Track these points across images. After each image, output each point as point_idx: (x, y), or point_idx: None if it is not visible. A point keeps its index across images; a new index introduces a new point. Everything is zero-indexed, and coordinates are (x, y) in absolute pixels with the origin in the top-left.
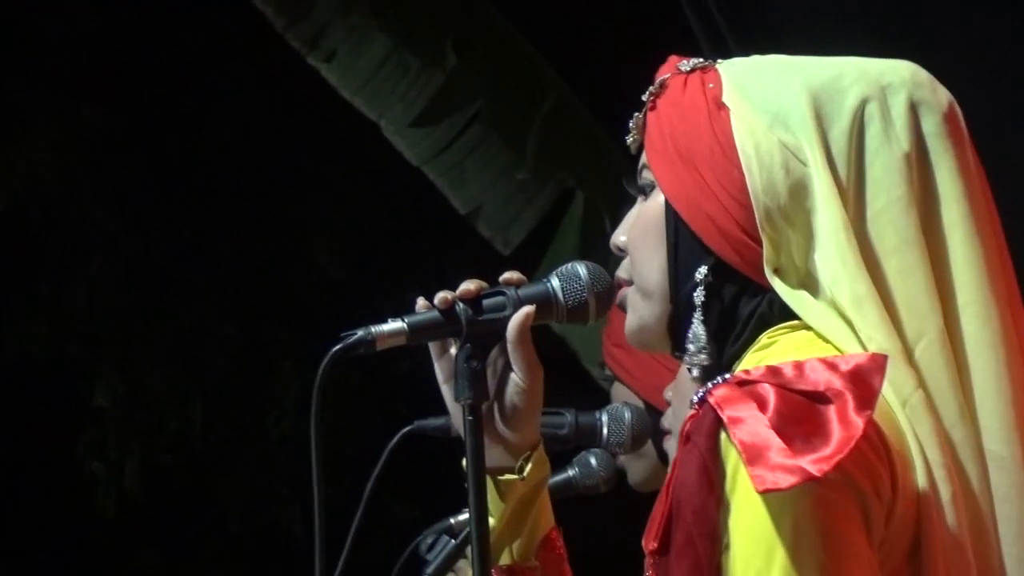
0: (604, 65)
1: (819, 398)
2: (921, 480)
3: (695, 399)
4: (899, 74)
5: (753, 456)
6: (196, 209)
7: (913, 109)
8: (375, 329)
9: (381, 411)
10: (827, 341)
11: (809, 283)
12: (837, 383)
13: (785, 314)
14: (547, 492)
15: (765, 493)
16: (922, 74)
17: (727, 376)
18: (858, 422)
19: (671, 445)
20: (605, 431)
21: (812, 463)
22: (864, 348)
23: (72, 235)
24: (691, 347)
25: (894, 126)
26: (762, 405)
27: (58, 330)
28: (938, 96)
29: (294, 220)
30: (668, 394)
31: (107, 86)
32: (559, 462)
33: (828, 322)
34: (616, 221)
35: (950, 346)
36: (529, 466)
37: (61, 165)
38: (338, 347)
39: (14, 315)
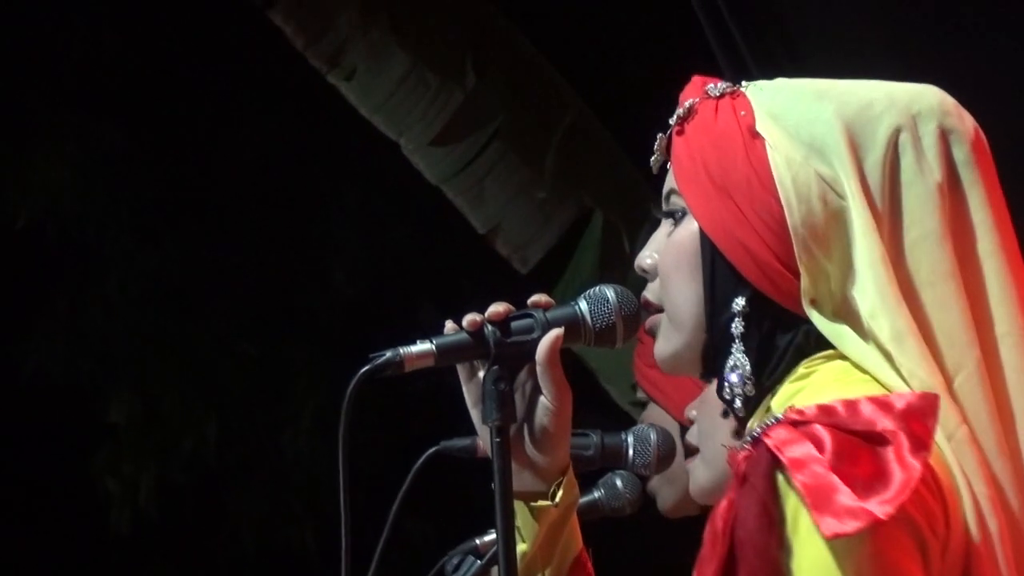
0: (623, 84)
1: (875, 439)
2: (969, 514)
3: (749, 438)
4: (928, 101)
5: (818, 501)
6: (212, 228)
7: (944, 138)
8: (403, 350)
9: (394, 430)
10: (865, 372)
11: (845, 314)
12: (891, 423)
13: (820, 343)
14: (576, 514)
15: (834, 538)
16: (949, 101)
17: (779, 416)
18: (916, 464)
19: (697, 464)
20: (631, 452)
21: (877, 506)
22: (906, 382)
23: (89, 253)
24: (734, 378)
25: (926, 156)
26: (819, 446)
27: (74, 347)
28: (965, 124)
29: (310, 238)
30: (692, 412)
31: (125, 105)
32: (585, 483)
33: (866, 354)
34: (635, 240)
35: (988, 378)
36: (560, 492)
37: (79, 183)
38: (366, 368)
39: (31, 332)
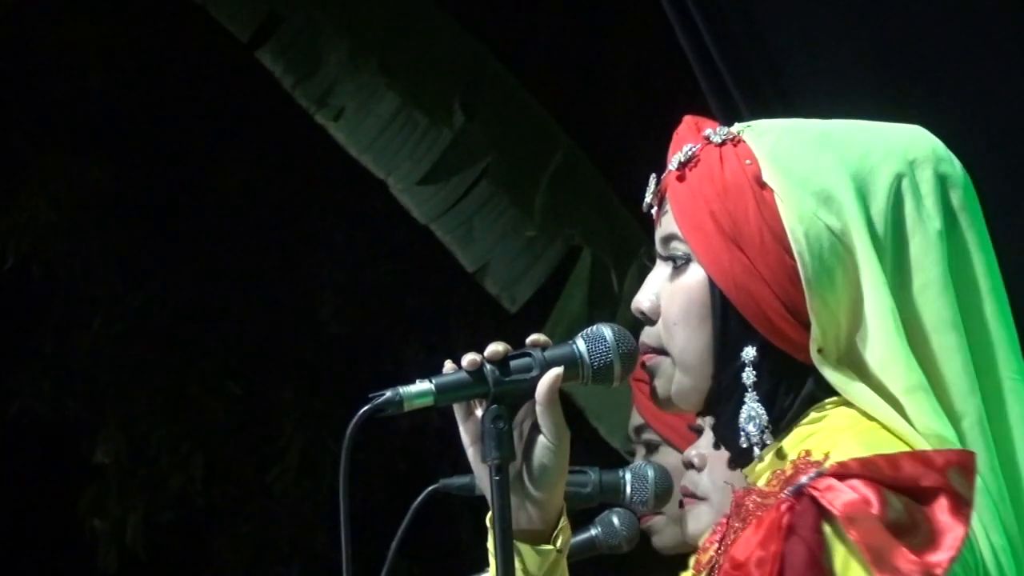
0: (611, 122)
1: (919, 495)
2: (991, 566)
3: (792, 489)
4: (922, 147)
5: (876, 558)
6: (198, 267)
7: (941, 184)
8: (403, 390)
9: (383, 470)
10: (873, 419)
11: (852, 363)
12: (933, 480)
13: (828, 388)
14: (566, 555)
15: None
16: (939, 145)
17: (822, 468)
18: (961, 523)
19: (703, 511)
20: (628, 489)
21: (933, 561)
22: (918, 431)
23: (75, 293)
24: (752, 428)
25: (925, 203)
26: (866, 500)
27: (60, 387)
28: (956, 168)
29: (297, 277)
30: (694, 459)
31: (111, 145)
32: (581, 520)
33: (875, 404)
34: (623, 278)
35: (988, 426)
36: (561, 536)
37: (65, 223)
38: (366, 408)
39: (17, 372)
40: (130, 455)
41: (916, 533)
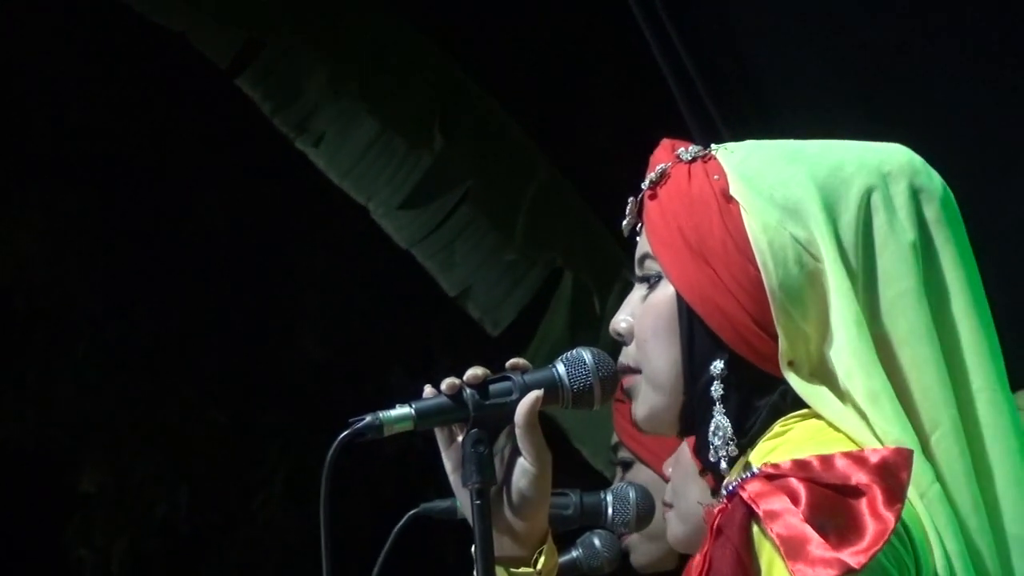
0: (592, 145)
1: (849, 492)
2: (941, 570)
3: (724, 492)
4: (897, 161)
5: (792, 550)
6: (180, 295)
7: (915, 197)
8: (383, 415)
9: (369, 496)
10: (840, 431)
11: (822, 375)
12: (865, 477)
13: (796, 403)
14: None
15: None
16: (917, 159)
17: (755, 470)
18: (890, 516)
19: (671, 517)
20: (610, 511)
21: (850, 556)
22: (880, 441)
23: (57, 322)
24: (717, 440)
25: (898, 216)
26: (794, 498)
27: (44, 417)
28: (934, 182)
29: (279, 303)
30: (668, 469)
31: (91, 173)
32: (563, 542)
33: (842, 415)
34: (605, 300)
35: (963, 436)
36: (543, 559)
37: (46, 252)
38: (346, 433)
39: (0, 401)
40: (115, 484)
41: (840, 528)
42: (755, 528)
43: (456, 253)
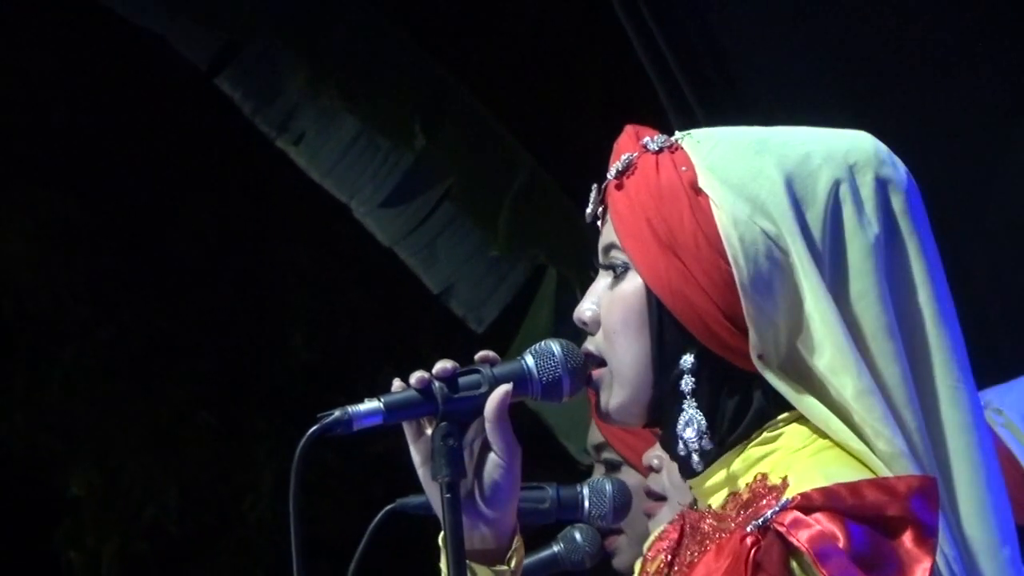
0: (575, 141)
1: (886, 527)
2: None
3: (756, 524)
4: (863, 151)
5: None
6: (168, 297)
7: (881, 188)
8: (352, 409)
9: (358, 495)
10: (825, 435)
11: (794, 369)
12: (898, 509)
13: (780, 404)
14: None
15: None
16: (883, 148)
17: (784, 502)
18: (927, 555)
19: (663, 516)
20: (587, 504)
21: None
22: (870, 443)
23: (46, 326)
24: (690, 433)
25: (865, 208)
26: (832, 535)
27: (32, 421)
28: (899, 172)
29: (266, 305)
30: (654, 461)
31: (77, 176)
32: (544, 537)
33: (826, 417)
34: None
35: (927, 434)
36: (515, 556)
37: (33, 256)
38: (315, 428)
39: None
40: (104, 487)
41: (884, 566)
42: (794, 564)
43: (439, 251)
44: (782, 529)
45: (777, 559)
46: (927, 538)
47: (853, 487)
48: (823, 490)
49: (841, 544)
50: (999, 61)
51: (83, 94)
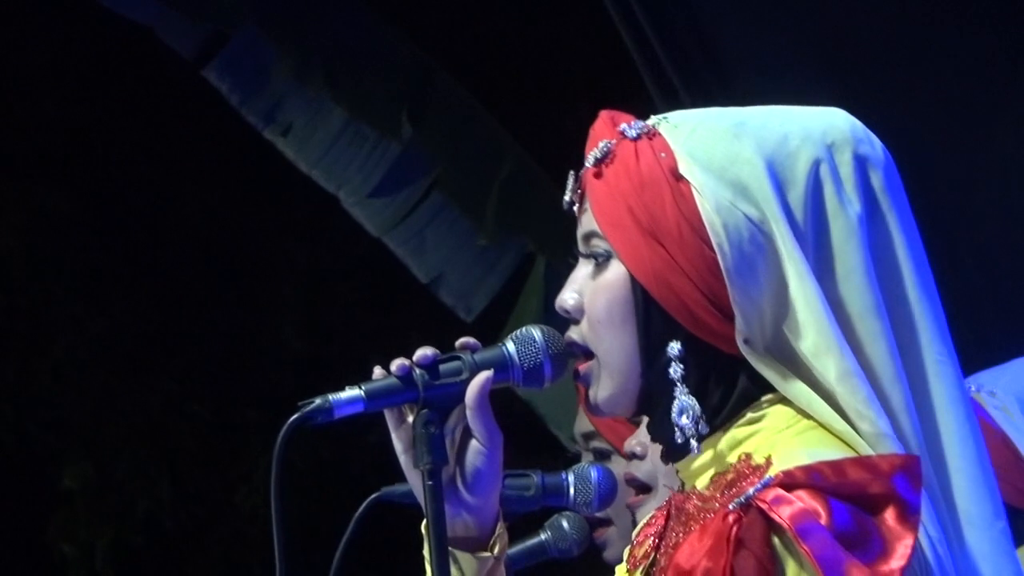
0: (563, 129)
1: (868, 504)
2: (931, 560)
3: (738, 502)
4: (840, 130)
5: (829, 571)
6: (160, 290)
7: (860, 166)
8: (332, 397)
9: (353, 486)
10: (809, 416)
11: (780, 352)
12: (881, 487)
13: (764, 385)
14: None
15: None
16: (858, 126)
17: (767, 479)
18: (910, 530)
19: (649, 506)
20: (572, 491)
21: (883, 573)
22: (854, 424)
23: (37, 319)
24: (686, 420)
25: (845, 187)
26: (814, 512)
27: (24, 414)
28: (876, 149)
29: (257, 296)
30: (637, 448)
31: (67, 169)
32: (531, 526)
33: (810, 399)
34: None
35: (915, 412)
36: (498, 545)
37: (23, 249)
38: (295, 416)
39: None
40: (98, 479)
41: (866, 543)
42: (776, 541)
43: (427, 240)
44: (764, 506)
45: (759, 536)
46: (909, 516)
47: (836, 465)
48: (806, 468)
49: (823, 521)
50: (987, 40)
51: (72, 87)
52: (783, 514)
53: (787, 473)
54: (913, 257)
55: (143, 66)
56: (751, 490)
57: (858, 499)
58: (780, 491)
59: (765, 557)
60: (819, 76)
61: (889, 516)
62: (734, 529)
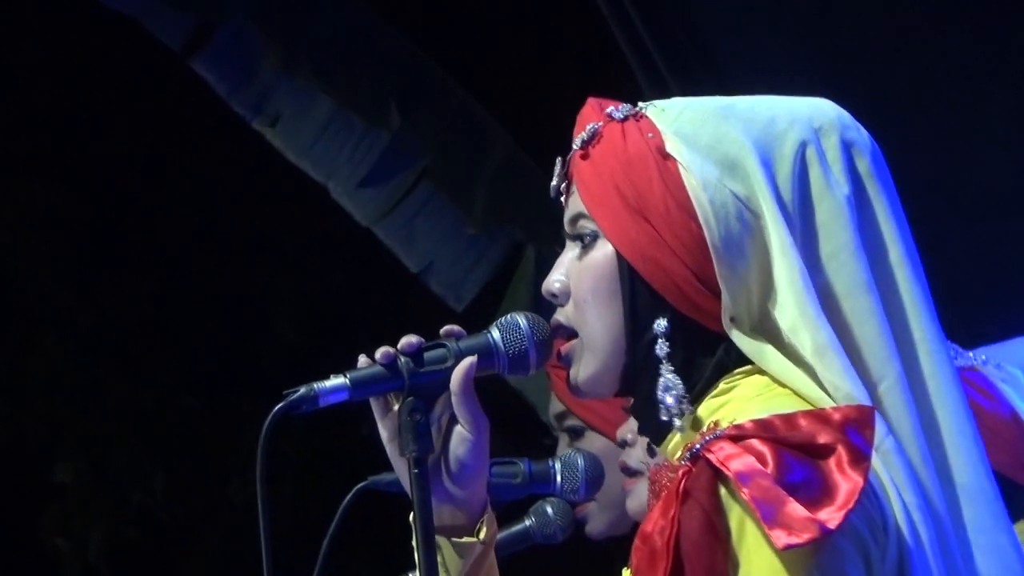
0: (551, 118)
1: (816, 451)
2: (902, 523)
3: (688, 454)
4: (827, 115)
5: (768, 513)
6: (151, 282)
7: (847, 150)
8: (317, 386)
9: (346, 477)
10: (785, 387)
11: (765, 330)
12: (830, 436)
13: (740, 359)
14: (493, 547)
15: (787, 549)
16: (844, 113)
17: (718, 431)
18: (858, 475)
19: (640, 488)
20: (559, 479)
21: (826, 517)
22: (830, 396)
23: (28, 313)
24: (670, 399)
25: (832, 170)
26: (761, 460)
27: (16, 407)
28: (863, 135)
29: (249, 287)
30: (628, 435)
31: (58, 161)
32: (515, 512)
33: (788, 370)
34: None
35: (908, 388)
36: (485, 529)
37: (14, 241)
38: (280, 405)
39: None
40: (90, 472)
41: (811, 488)
42: (723, 490)
43: (416, 230)
44: (711, 456)
45: (705, 485)
46: (859, 463)
47: (788, 418)
48: (757, 421)
49: (769, 469)
50: (976, 33)
51: (62, 81)
52: (727, 462)
53: (737, 426)
54: (902, 241)
55: (133, 58)
56: (699, 443)
57: (807, 448)
58: (726, 442)
59: (710, 505)
60: (811, 69)
61: (837, 463)
62: (682, 482)
